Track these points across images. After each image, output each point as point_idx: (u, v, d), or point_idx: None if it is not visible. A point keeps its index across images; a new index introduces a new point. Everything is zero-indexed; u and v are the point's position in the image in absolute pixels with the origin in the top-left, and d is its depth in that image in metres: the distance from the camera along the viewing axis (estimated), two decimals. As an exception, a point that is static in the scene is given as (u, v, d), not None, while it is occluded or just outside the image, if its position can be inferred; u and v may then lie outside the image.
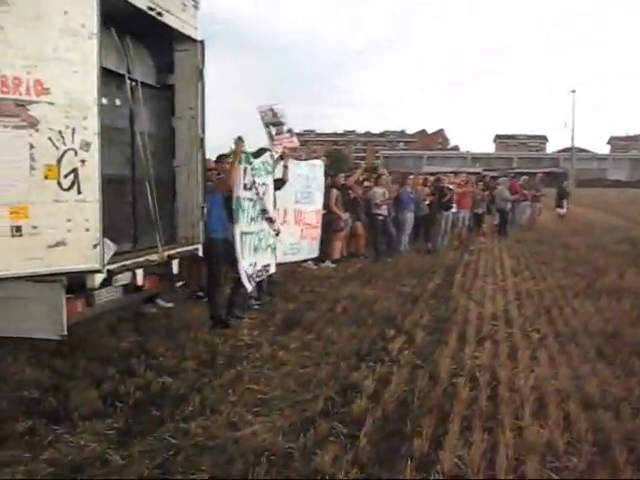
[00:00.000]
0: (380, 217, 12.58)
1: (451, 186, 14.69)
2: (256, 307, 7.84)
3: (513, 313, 7.52)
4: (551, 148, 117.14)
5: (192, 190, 6.53)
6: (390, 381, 5.15)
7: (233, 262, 7.03)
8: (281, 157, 8.66)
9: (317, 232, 10.48)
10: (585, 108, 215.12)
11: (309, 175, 10.19)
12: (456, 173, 17.02)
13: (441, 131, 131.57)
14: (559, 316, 7.45)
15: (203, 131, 6.52)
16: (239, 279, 7.08)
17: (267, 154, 8.08)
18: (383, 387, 5.02)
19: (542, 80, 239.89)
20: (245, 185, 7.10)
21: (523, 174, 22.88)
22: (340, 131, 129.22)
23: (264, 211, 7.73)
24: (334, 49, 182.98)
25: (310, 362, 5.74)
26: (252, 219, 7.39)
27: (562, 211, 20.23)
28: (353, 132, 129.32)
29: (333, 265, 11.54)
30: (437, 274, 10.58)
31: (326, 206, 11.20)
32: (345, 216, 11.98)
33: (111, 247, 4.90)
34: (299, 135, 8.95)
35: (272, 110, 8.73)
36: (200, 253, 6.62)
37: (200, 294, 8.11)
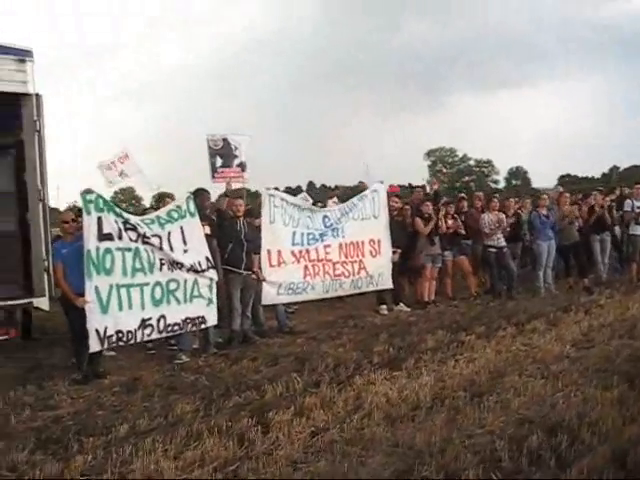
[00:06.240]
0: (492, 250, 10.12)
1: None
2: (178, 361, 7.29)
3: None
4: None
5: (37, 243, 6.59)
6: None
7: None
8: (226, 195, 8.01)
9: (348, 268, 9.20)
10: None
11: (330, 215, 9.22)
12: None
13: None
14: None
15: (42, 184, 6.52)
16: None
17: (184, 197, 7.51)
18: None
19: None
20: (107, 235, 6.70)
21: None
22: None
23: (176, 262, 7.18)
24: None
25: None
26: (137, 269, 6.92)
27: None
28: None
29: (407, 309, 9.80)
30: (491, 325, 8.04)
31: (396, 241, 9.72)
32: (434, 250, 10.04)
33: None
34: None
35: (225, 140, 8.12)
36: (44, 306, 6.59)
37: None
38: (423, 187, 14.85)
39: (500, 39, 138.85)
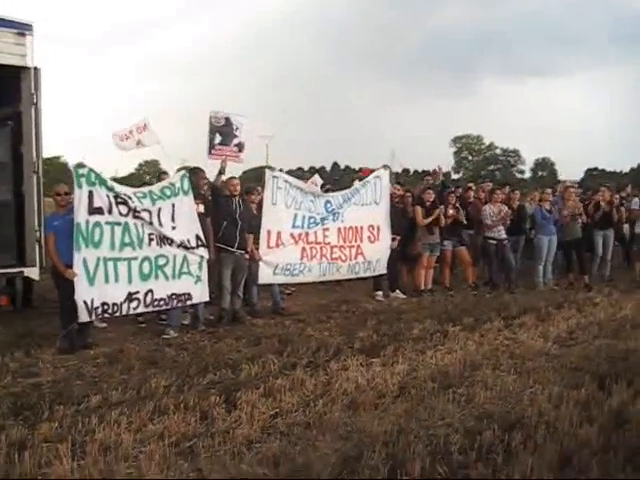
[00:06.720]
0: (492, 242, 10.06)
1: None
2: (166, 336, 7.40)
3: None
4: None
5: (30, 214, 6.73)
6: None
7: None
8: (220, 172, 8.07)
9: (345, 252, 9.25)
10: None
11: (332, 200, 9.22)
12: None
13: None
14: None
15: (37, 156, 6.66)
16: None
17: (179, 175, 7.57)
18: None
19: None
20: (97, 209, 6.77)
21: None
22: None
23: (166, 238, 7.27)
24: None
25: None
26: (126, 244, 7.00)
27: None
28: None
29: (402, 296, 9.81)
30: (480, 317, 8.06)
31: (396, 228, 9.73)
32: (432, 239, 10.01)
33: None
34: None
35: (227, 119, 8.18)
36: (34, 276, 6.75)
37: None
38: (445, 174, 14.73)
39: (536, 25, 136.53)
